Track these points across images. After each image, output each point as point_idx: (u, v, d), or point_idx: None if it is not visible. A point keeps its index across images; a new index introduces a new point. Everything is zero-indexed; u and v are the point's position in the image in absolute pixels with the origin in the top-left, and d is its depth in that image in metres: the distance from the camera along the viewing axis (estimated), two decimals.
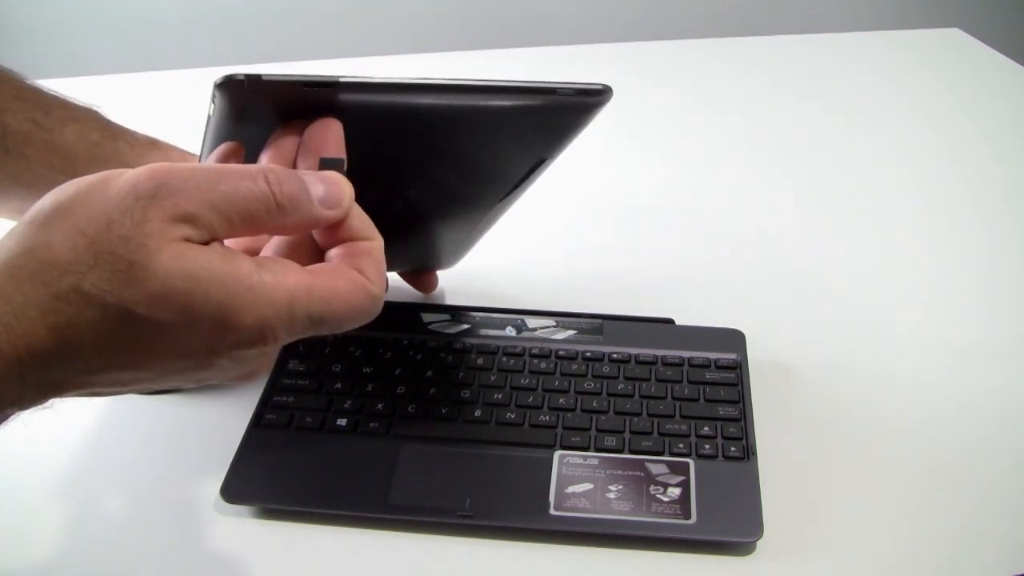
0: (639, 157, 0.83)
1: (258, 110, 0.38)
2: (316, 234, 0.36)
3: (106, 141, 0.51)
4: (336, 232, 0.35)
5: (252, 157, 0.39)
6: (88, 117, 0.52)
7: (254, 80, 0.36)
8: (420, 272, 0.60)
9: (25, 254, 0.31)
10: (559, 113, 0.39)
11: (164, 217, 0.30)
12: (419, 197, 0.51)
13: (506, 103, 0.38)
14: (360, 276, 0.34)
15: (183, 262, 0.30)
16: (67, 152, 0.50)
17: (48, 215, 0.31)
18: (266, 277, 0.32)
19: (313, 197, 0.34)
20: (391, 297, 0.60)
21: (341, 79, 0.37)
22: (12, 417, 0.32)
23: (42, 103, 0.51)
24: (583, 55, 1.05)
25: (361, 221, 0.36)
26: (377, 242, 0.36)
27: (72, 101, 0.52)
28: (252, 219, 0.32)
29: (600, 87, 0.40)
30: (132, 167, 0.51)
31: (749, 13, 1.45)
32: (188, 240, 0.31)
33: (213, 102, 0.37)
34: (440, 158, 0.47)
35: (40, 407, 0.33)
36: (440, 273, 0.63)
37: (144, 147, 0.52)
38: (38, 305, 0.30)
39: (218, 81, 0.36)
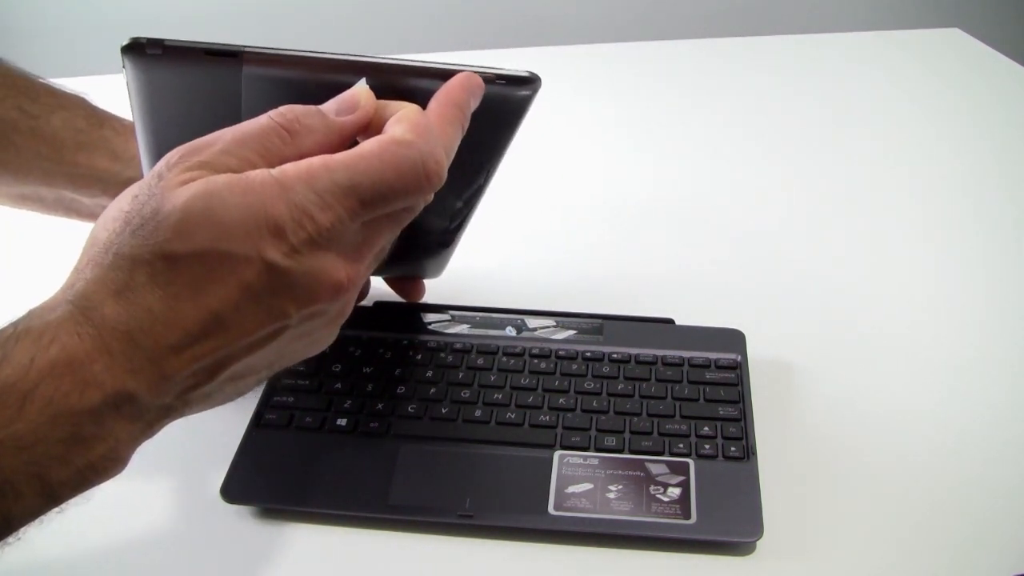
0: (639, 157, 0.83)
1: (167, 79, 0.38)
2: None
3: (92, 128, 0.51)
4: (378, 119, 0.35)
5: (177, 131, 0.36)
6: (75, 104, 0.52)
7: (156, 43, 0.36)
8: (405, 279, 0.59)
9: (83, 253, 0.33)
10: (491, 100, 0.38)
11: (178, 171, 0.32)
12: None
13: (423, 84, 0.37)
14: (388, 136, 0.33)
15: (192, 187, 0.31)
16: (54, 139, 0.50)
17: (100, 218, 0.33)
18: (283, 170, 0.32)
19: (325, 111, 0.34)
20: (391, 297, 0.60)
21: (245, 49, 0.36)
22: (139, 434, 0.33)
23: (29, 90, 0.51)
24: (583, 55, 1.05)
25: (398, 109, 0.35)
26: (409, 108, 0.35)
27: (60, 88, 0.52)
28: (268, 151, 0.33)
29: (526, 75, 0.38)
30: (119, 153, 0.51)
31: (749, 13, 1.45)
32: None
33: (124, 68, 0.37)
34: None
35: (162, 420, 0.33)
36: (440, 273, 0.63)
37: (131, 133, 0.51)
38: (97, 281, 0.31)
39: (124, 44, 0.36)
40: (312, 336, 0.36)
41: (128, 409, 0.31)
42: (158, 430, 0.34)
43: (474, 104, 0.37)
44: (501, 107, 0.40)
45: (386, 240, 0.36)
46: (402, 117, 0.34)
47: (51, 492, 0.32)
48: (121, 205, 0.32)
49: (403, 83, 0.37)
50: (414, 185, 0.33)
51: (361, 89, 0.35)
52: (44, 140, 0.50)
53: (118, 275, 0.31)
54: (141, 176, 0.50)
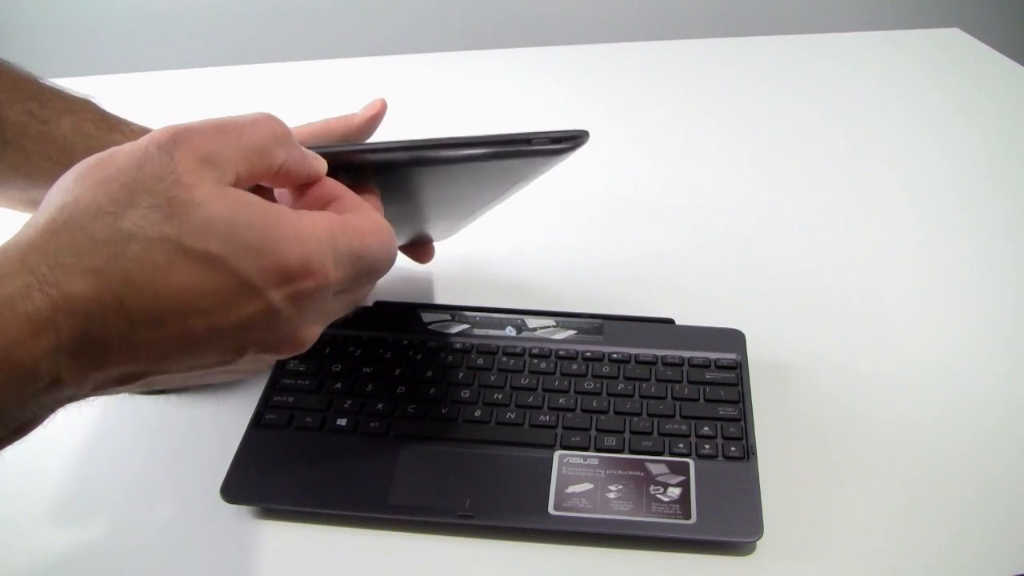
0: (639, 157, 0.83)
1: None
2: (313, 192, 0.37)
3: (102, 133, 0.51)
4: (328, 190, 0.37)
5: None
6: (84, 108, 0.52)
7: None
8: (416, 244, 0.60)
9: (57, 209, 0.30)
10: (538, 155, 0.41)
11: (190, 158, 0.31)
12: (415, 216, 0.53)
13: (485, 152, 0.40)
14: (376, 214, 0.36)
15: (224, 196, 0.31)
16: (64, 143, 0.50)
17: (76, 175, 0.31)
18: (303, 215, 0.33)
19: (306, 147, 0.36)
20: (390, 297, 0.60)
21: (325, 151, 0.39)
22: (57, 406, 0.31)
23: (39, 94, 0.51)
24: (583, 55, 1.05)
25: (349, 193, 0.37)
26: (377, 199, 0.38)
27: (68, 92, 0.52)
28: (265, 153, 0.33)
29: (575, 133, 0.41)
30: None
31: (748, 13, 1.45)
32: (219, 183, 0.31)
33: None
34: (428, 196, 0.49)
35: (86, 396, 0.31)
36: (440, 273, 0.63)
37: (140, 136, 0.52)
38: (74, 250, 0.29)
39: None
40: (238, 373, 0.37)
41: (55, 392, 0.30)
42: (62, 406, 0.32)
43: None
44: (547, 159, 0.42)
45: (336, 317, 0.37)
46: (377, 203, 0.38)
47: None
48: (117, 171, 0.31)
49: (461, 154, 0.40)
50: (383, 270, 0.36)
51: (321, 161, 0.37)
52: (54, 144, 0.50)
53: (104, 248, 0.29)
54: None
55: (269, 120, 0.34)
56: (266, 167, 0.34)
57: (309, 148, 0.37)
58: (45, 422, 0.31)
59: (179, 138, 0.32)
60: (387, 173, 0.41)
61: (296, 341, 0.34)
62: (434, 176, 0.42)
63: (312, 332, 0.35)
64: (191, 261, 0.30)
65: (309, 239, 0.32)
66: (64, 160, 0.50)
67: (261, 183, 0.35)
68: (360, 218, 0.35)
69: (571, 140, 0.41)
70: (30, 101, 0.50)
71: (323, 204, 0.36)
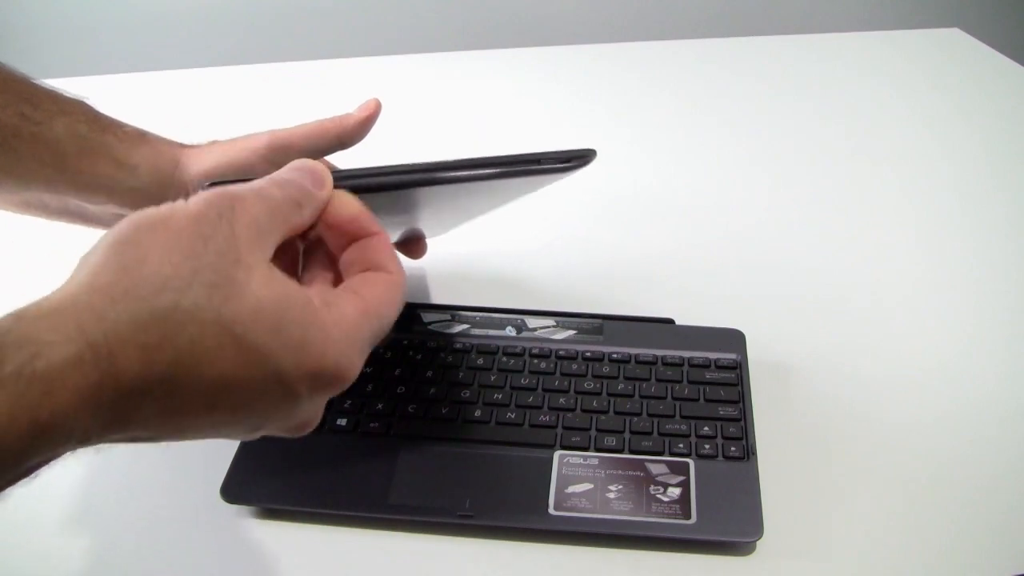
0: (639, 157, 0.83)
1: None
2: (328, 238, 0.37)
3: (95, 134, 0.51)
4: (343, 231, 0.37)
5: None
6: (77, 110, 0.52)
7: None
8: (410, 240, 0.59)
9: (117, 271, 0.29)
10: (546, 173, 0.42)
11: (247, 233, 0.31)
12: (418, 220, 0.53)
13: (495, 172, 0.41)
14: (387, 274, 0.36)
15: (273, 283, 0.31)
16: (56, 146, 0.50)
17: (135, 231, 0.30)
18: (334, 310, 0.33)
19: (304, 185, 0.36)
20: None
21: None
22: (64, 454, 0.30)
23: (31, 96, 0.50)
24: (583, 55, 1.05)
25: (364, 215, 0.37)
26: (384, 235, 0.37)
27: (61, 93, 0.52)
28: (287, 220, 0.34)
29: (583, 152, 0.42)
30: (121, 159, 0.50)
31: (748, 13, 1.45)
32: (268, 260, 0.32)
33: None
34: (429, 206, 0.49)
35: (94, 446, 0.31)
36: (440, 273, 0.63)
37: (133, 140, 0.52)
38: (133, 322, 0.28)
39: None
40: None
41: (72, 447, 0.30)
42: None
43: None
44: (554, 177, 0.43)
45: None
46: (388, 249, 0.37)
47: None
48: (179, 238, 0.30)
49: (472, 174, 0.41)
50: (394, 319, 0.36)
51: (317, 166, 0.37)
52: (46, 146, 0.49)
53: (162, 325, 0.28)
54: (142, 186, 0.50)
55: (301, 175, 0.35)
56: (294, 228, 0.34)
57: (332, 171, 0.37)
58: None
59: (236, 204, 0.32)
60: (386, 192, 0.41)
61: (309, 425, 0.35)
62: (440, 192, 0.43)
63: (321, 412, 0.35)
64: (238, 349, 0.30)
65: (341, 340, 0.32)
66: (56, 163, 0.49)
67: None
68: (378, 287, 0.35)
69: (579, 159, 0.42)
70: (22, 103, 0.49)
71: (348, 241, 0.37)
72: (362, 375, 0.52)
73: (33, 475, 0.30)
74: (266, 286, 0.31)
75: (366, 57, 1.02)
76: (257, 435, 0.34)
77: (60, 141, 0.50)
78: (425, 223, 0.55)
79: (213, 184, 0.35)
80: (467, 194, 0.46)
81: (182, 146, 0.53)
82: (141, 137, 0.52)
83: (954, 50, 1.05)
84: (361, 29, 1.39)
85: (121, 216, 0.52)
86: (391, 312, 0.35)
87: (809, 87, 0.97)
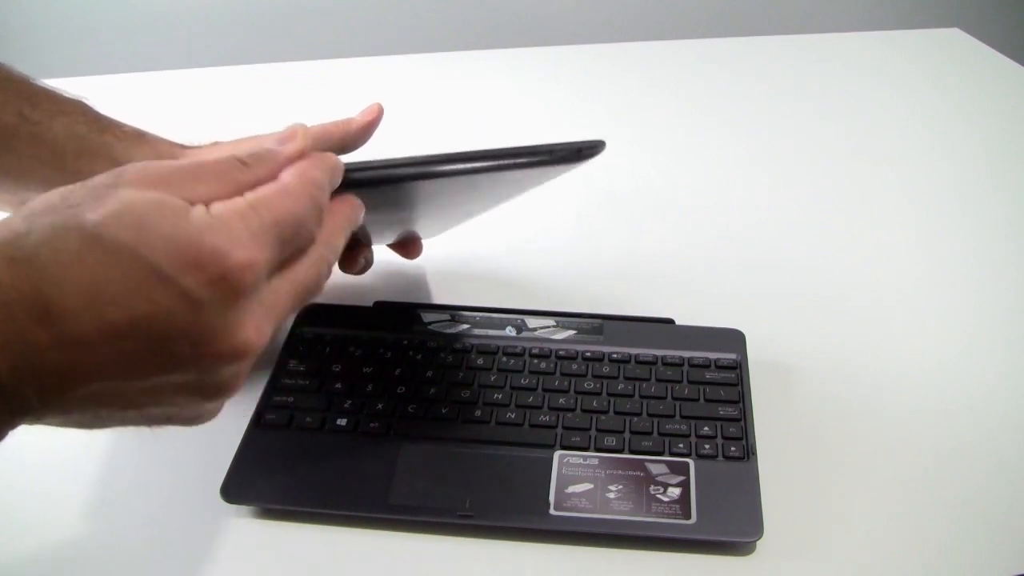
0: (639, 157, 0.83)
1: None
2: None
3: (94, 134, 0.51)
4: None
5: None
6: (76, 110, 0.51)
7: None
8: (406, 241, 0.59)
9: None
10: (555, 164, 0.42)
11: (136, 178, 0.31)
12: (420, 217, 0.53)
13: (507, 164, 0.41)
14: (286, 175, 0.35)
15: (142, 193, 0.31)
16: (55, 145, 0.49)
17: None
18: (213, 205, 0.32)
19: (270, 142, 0.36)
20: (390, 297, 0.60)
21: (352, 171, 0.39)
22: (4, 420, 0.30)
23: (30, 96, 0.50)
24: (583, 55, 1.05)
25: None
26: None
27: (60, 93, 0.52)
28: (224, 179, 0.33)
29: (594, 143, 0.42)
30: (120, 160, 0.50)
31: (748, 13, 1.45)
32: None
33: None
34: (431, 202, 0.49)
35: (40, 414, 0.31)
36: (440, 273, 0.63)
37: (132, 140, 0.51)
38: (1, 240, 0.29)
39: None
40: (193, 396, 0.34)
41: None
42: (15, 425, 0.31)
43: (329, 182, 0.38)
44: (563, 168, 0.43)
45: (289, 308, 0.36)
46: (296, 164, 0.36)
47: None
48: (69, 186, 0.32)
49: (486, 165, 0.41)
50: (312, 223, 0.35)
51: (297, 127, 0.38)
52: (45, 146, 0.49)
53: (26, 239, 0.29)
54: None
55: (265, 140, 0.36)
56: (237, 182, 0.34)
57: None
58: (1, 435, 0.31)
59: (147, 169, 0.32)
60: (397, 184, 0.41)
61: (237, 341, 0.32)
62: (445, 185, 0.42)
63: (255, 327, 0.33)
64: (103, 249, 0.29)
65: (219, 225, 0.31)
66: (55, 162, 0.49)
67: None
68: (268, 188, 0.34)
69: (591, 150, 0.42)
70: (21, 102, 0.49)
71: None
72: (362, 375, 0.53)
73: None
74: (129, 193, 0.30)
75: (366, 57, 1.02)
76: (192, 381, 0.32)
77: (59, 141, 0.49)
78: (424, 221, 0.55)
79: None
80: (472, 188, 0.45)
81: (182, 147, 0.53)
82: (140, 137, 0.52)
83: (954, 50, 1.05)
84: (361, 29, 1.39)
85: None
86: (289, 202, 0.34)
87: (809, 87, 0.97)
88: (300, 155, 0.36)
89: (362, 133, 0.52)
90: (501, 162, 0.40)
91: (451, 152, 0.40)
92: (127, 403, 0.33)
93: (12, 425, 0.31)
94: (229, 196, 0.33)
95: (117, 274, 0.30)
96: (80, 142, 0.50)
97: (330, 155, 0.38)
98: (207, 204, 0.32)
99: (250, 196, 0.33)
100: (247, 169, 0.34)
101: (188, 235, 0.30)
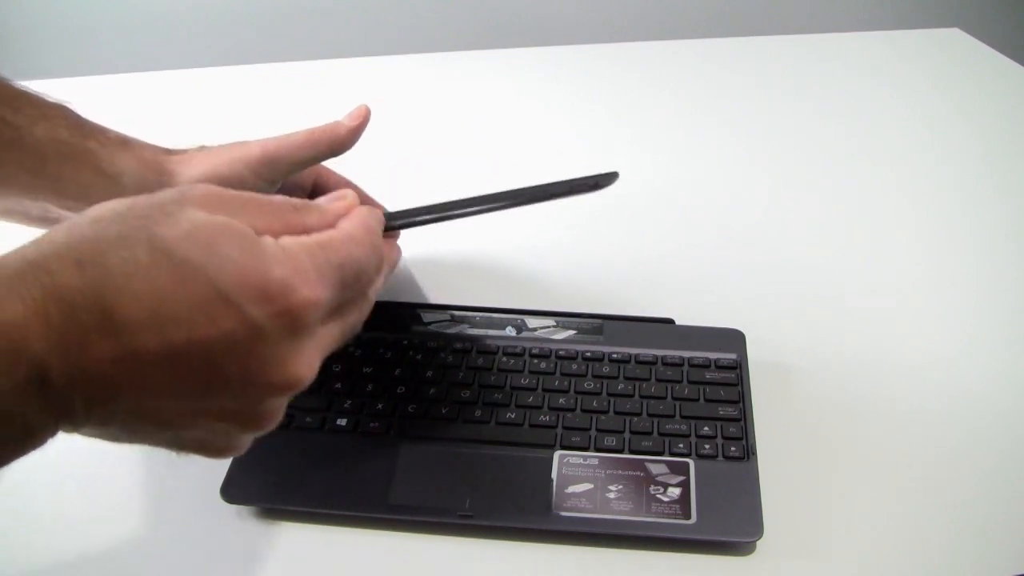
0: (639, 157, 0.83)
1: None
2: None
3: (76, 139, 0.50)
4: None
5: None
6: (58, 114, 0.50)
7: None
8: None
9: (64, 223, 0.31)
10: (574, 194, 0.48)
11: (201, 197, 0.32)
12: None
13: (528, 199, 0.47)
14: (351, 220, 0.37)
15: (213, 216, 0.31)
16: (37, 151, 0.48)
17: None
18: (284, 238, 0.33)
19: (323, 200, 0.38)
20: (390, 297, 0.60)
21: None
22: (50, 419, 0.29)
23: (11, 100, 0.49)
24: (583, 55, 1.05)
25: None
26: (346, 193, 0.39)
27: (42, 97, 0.51)
28: (279, 219, 0.34)
29: (608, 174, 0.47)
30: (103, 167, 0.50)
31: (748, 13, 1.45)
32: None
33: None
34: None
35: (80, 421, 0.30)
36: (440, 273, 0.63)
37: (116, 146, 0.50)
38: (67, 243, 0.29)
39: None
40: (232, 424, 0.34)
41: (44, 394, 0.29)
42: (56, 432, 0.31)
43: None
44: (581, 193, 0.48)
45: (335, 345, 0.36)
46: (355, 212, 0.38)
47: None
48: (133, 198, 0.32)
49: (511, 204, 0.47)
50: (374, 270, 0.37)
51: (347, 191, 0.39)
52: (26, 151, 0.48)
53: (93, 245, 0.29)
54: (125, 194, 0.50)
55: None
56: (288, 223, 0.35)
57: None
58: (42, 441, 0.30)
59: (211, 194, 0.33)
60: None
61: (289, 374, 0.32)
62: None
63: (308, 363, 0.33)
64: (172, 266, 0.29)
65: (288, 259, 0.32)
66: (37, 168, 0.48)
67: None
68: (333, 232, 0.35)
69: (607, 182, 0.47)
70: (2, 107, 0.48)
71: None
72: (362, 375, 0.53)
73: (14, 449, 0.29)
74: (201, 214, 0.31)
75: (366, 57, 1.02)
76: (214, 411, 0.32)
77: (40, 146, 0.48)
78: None
79: None
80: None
81: (168, 152, 0.52)
82: (124, 143, 0.51)
83: (954, 50, 1.05)
84: (361, 29, 1.39)
85: None
86: (355, 249, 0.35)
87: (809, 87, 0.97)
88: (349, 211, 0.38)
89: (350, 136, 0.52)
90: (522, 201, 0.46)
91: (477, 196, 0.46)
92: (166, 423, 0.33)
93: (53, 432, 0.30)
94: (282, 232, 0.34)
95: (184, 292, 0.29)
96: (62, 147, 0.49)
97: (378, 210, 0.41)
98: (275, 236, 0.33)
99: (317, 236, 0.34)
100: (298, 213, 0.35)
101: (258, 263, 0.31)
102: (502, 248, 0.68)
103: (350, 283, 0.35)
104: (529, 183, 0.48)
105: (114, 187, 0.49)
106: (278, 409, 0.34)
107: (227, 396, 0.32)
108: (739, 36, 1.09)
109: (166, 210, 0.31)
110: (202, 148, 0.52)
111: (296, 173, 0.52)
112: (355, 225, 0.36)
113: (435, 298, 0.62)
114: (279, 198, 0.35)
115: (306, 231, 0.35)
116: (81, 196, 0.49)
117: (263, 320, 0.30)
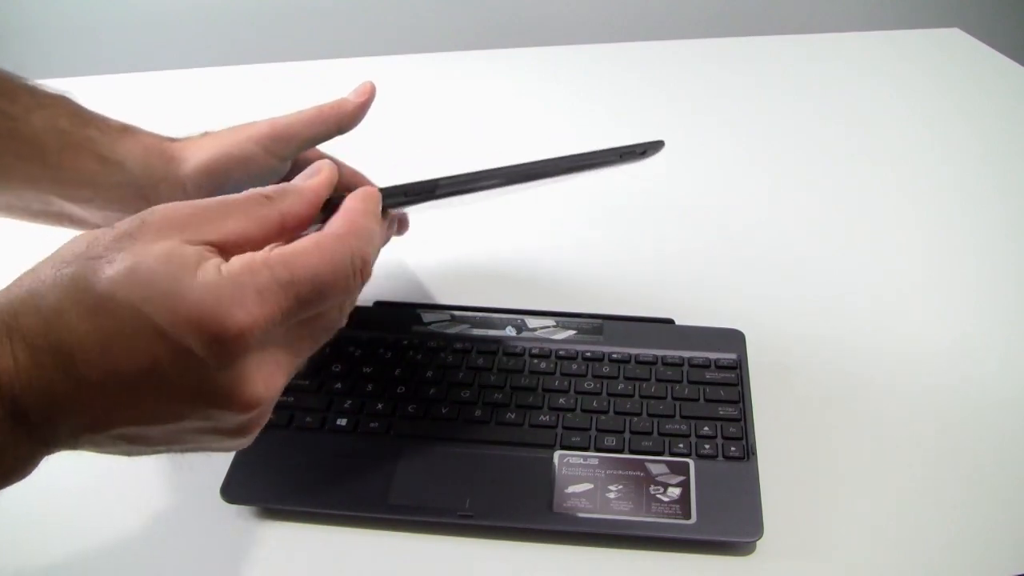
0: (639, 157, 0.83)
1: None
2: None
3: (76, 129, 0.49)
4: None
5: None
6: (56, 104, 0.50)
7: None
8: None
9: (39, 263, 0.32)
10: (622, 163, 0.47)
11: (157, 227, 0.32)
12: None
13: (582, 165, 0.45)
14: (325, 231, 0.35)
15: (160, 247, 0.31)
16: (35, 141, 0.48)
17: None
18: (217, 268, 0.32)
19: (298, 179, 0.37)
20: (390, 297, 0.60)
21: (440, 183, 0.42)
22: (28, 447, 0.32)
23: (8, 91, 0.48)
24: (583, 55, 1.05)
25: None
26: (349, 199, 0.38)
27: (40, 87, 0.50)
28: (250, 214, 0.34)
29: (655, 142, 0.47)
30: (105, 153, 0.49)
31: (748, 13, 1.45)
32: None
33: None
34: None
35: (63, 441, 0.32)
36: (440, 273, 0.63)
37: (117, 133, 0.50)
38: (32, 292, 0.31)
39: None
40: (216, 436, 0.35)
41: (23, 424, 0.31)
42: (45, 454, 0.33)
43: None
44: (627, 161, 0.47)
45: (307, 352, 0.36)
46: (343, 208, 0.37)
47: None
48: (98, 232, 0.32)
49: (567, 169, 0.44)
50: (343, 282, 0.34)
51: (323, 162, 0.38)
52: (24, 142, 0.48)
53: (52, 290, 0.31)
54: (130, 181, 0.49)
55: (256, 187, 0.35)
56: (263, 218, 0.34)
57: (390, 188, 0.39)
58: (33, 465, 0.32)
59: (171, 215, 0.33)
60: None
61: (245, 396, 0.32)
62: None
63: (263, 383, 0.33)
64: (114, 307, 0.30)
65: (224, 284, 0.31)
66: (36, 158, 0.48)
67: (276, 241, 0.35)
68: (294, 246, 0.34)
69: (654, 150, 0.47)
70: None
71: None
72: (362, 375, 0.53)
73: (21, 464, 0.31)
74: (147, 250, 0.31)
75: (366, 57, 1.02)
76: (191, 428, 0.33)
77: (39, 136, 0.48)
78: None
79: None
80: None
81: (171, 140, 0.51)
82: (125, 131, 0.50)
83: (954, 50, 1.05)
84: (361, 29, 1.39)
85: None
86: (312, 265, 0.33)
87: (809, 87, 0.97)
88: (325, 188, 0.37)
89: (357, 113, 0.51)
90: (563, 170, 0.44)
91: (515, 166, 0.42)
92: (155, 441, 0.34)
93: (42, 453, 0.33)
94: (257, 232, 0.34)
95: (127, 331, 0.30)
96: (62, 136, 0.48)
97: (372, 191, 0.38)
98: (228, 253, 0.33)
99: (269, 253, 0.33)
100: (271, 203, 0.35)
101: (187, 294, 0.31)
102: (502, 248, 0.68)
103: (307, 296, 0.33)
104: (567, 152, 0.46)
105: (118, 173, 0.49)
106: (253, 421, 0.34)
107: (196, 418, 0.33)
108: (739, 36, 1.09)
109: (119, 245, 0.31)
110: (206, 134, 0.51)
111: (306, 150, 0.52)
112: (324, 234, 0.35)
113: (435, 298, 0.62)
114: (248, 194, 0.35)
115: (283, 222, 0.35)
116: (84, 184, 0.49)
117: (200, 350, 0.31)
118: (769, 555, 0.45)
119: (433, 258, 0.62)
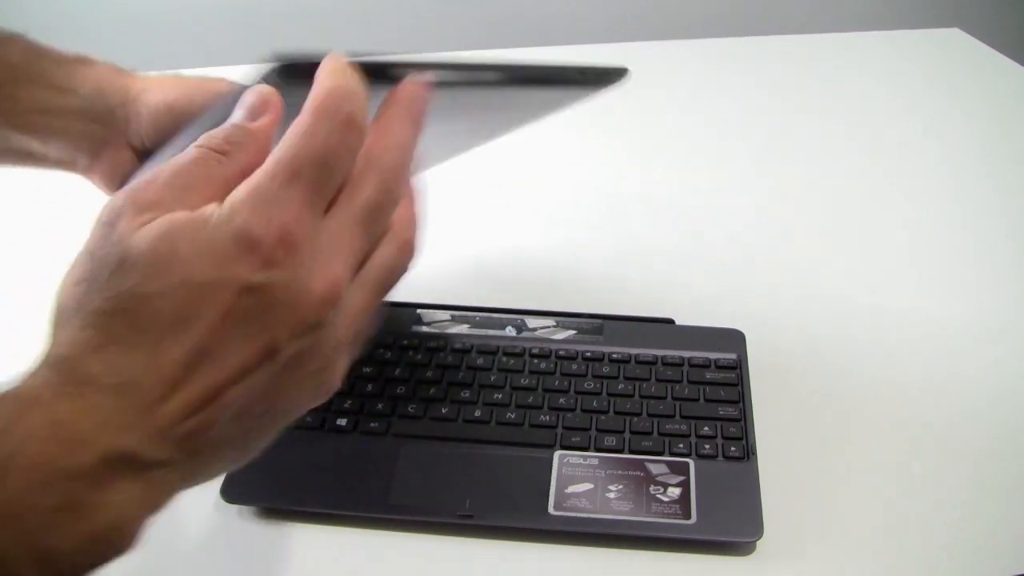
0: (639, 157, 0.83)
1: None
2: None
3: (30, 62, 0.48)
4: None
5: None
6: (8, 41, 0.49)
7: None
8: None
9: (49, 328, 0.30)
10: (582, 85, 0.42)
11: (130, 217, 0.30)
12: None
13: (539, 77, 0.39)
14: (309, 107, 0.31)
15: (153, 228, 0.29)
16: None
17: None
18: (232, 195, 0.30)
19: (240, 123, 0.32)
20: (390, 297, 0.60)
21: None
22: (135, 496, 0.30)
23: None
24: (583, 55, 1.05)
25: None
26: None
27: None
28: (210, 176, 0.31)
29: (619, 69, 0.42)
30: (59, 82, 0.48)
31: (749, 13, 1.45)
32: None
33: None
34: (458, 123, 0.46)
35: (171, 483, 0.31)
36: (440, 273, 0.63)
37: (73, 64, 0.48)
38: (73, 341, 0.29)
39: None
40: (310, 366, 0.34)
41: (126, 470, 0.29)
42: (169, 496, 0.31)
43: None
44: (584, 93, 0.42)
45: (357, 240, 0.33)
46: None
47: (54, 567, 0.28)
48: (80, 270, 0.30)
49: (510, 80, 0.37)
50: (336, 136, 0.30)
51: (263, 89, 0.33)
52: None
53: (94, 333, 0.29)
54: (85, 107, 0.47)
55: (200, 141, 0.32)
56: (217, 185, 0.31)
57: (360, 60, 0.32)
58: (138, 528, 0.31)
59: (130, 197, 0.30)
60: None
61: (317, 284, 0.30)
62: (470, 98, 0.39)
63: (315, 278, 0.30)
64: (163, 303, 0.29)
65: (235, 217, 0.29)
66: None
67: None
68: (286, 136, 0.31)
69: (618, 77, 0.42)
70: None
71: None
72: (362, 375, 0.53)
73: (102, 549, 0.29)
74: (144, 237, 0.29)
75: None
76: (287, 364, 0.32)
77: None
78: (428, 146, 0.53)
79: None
80: (493, 107, 0.43)
81: (132, 74, 0.50)
82: (83, 61, 0.49)
83: (954, 50, 1.05)
84: (361, 29, 1.39)
85: (72, 154, 0.48)
86: (310, 132, 0.30)
87: (809, 87, 0.97)
88: (274, 128, 0.33)
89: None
90: (523, 78, 0.37)
91: (481, 61, 0.35)
92: (258, 399, 0.33)
93: (173, 489, 0.32)
94: (224, 195, 0.31)
95: (180, 311, 0.29)
96: (15, 71, 0.47)
97: (340, 86, 0.32)
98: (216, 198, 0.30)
99: (254, 176, 0.30)
100: (229, 160, 0.32)
101: (214, 240, 0.29)
102: (502, 248, 0.68)
103: (319, 174, 0.30)
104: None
105: (72, 99, 0.47)
106: (341, 324, 0.33)
107: (286, 341, 0.31)
108: (739, 36, 1.09)
109: (119, 252, 0.29)
110: (177, 74, 0.50)
111: None
112: (298, 122, 0.31)
113: (435, 298, 0.62)
114: (201, 156, 0.31)
115: (243, 174, 0.31)
116: (37, 111, 0.47)
117: (259, 276, 0.29)
118: (769, 555, 0.45)
119: (433, 258, 0.62)
